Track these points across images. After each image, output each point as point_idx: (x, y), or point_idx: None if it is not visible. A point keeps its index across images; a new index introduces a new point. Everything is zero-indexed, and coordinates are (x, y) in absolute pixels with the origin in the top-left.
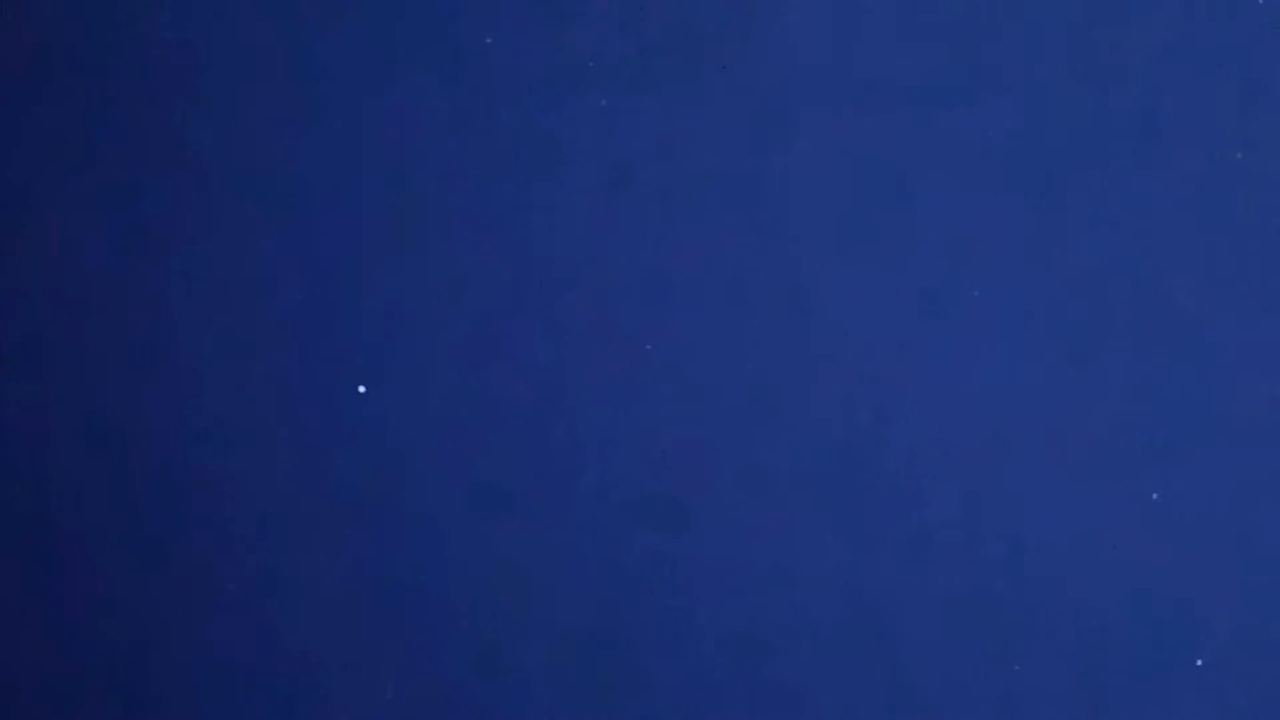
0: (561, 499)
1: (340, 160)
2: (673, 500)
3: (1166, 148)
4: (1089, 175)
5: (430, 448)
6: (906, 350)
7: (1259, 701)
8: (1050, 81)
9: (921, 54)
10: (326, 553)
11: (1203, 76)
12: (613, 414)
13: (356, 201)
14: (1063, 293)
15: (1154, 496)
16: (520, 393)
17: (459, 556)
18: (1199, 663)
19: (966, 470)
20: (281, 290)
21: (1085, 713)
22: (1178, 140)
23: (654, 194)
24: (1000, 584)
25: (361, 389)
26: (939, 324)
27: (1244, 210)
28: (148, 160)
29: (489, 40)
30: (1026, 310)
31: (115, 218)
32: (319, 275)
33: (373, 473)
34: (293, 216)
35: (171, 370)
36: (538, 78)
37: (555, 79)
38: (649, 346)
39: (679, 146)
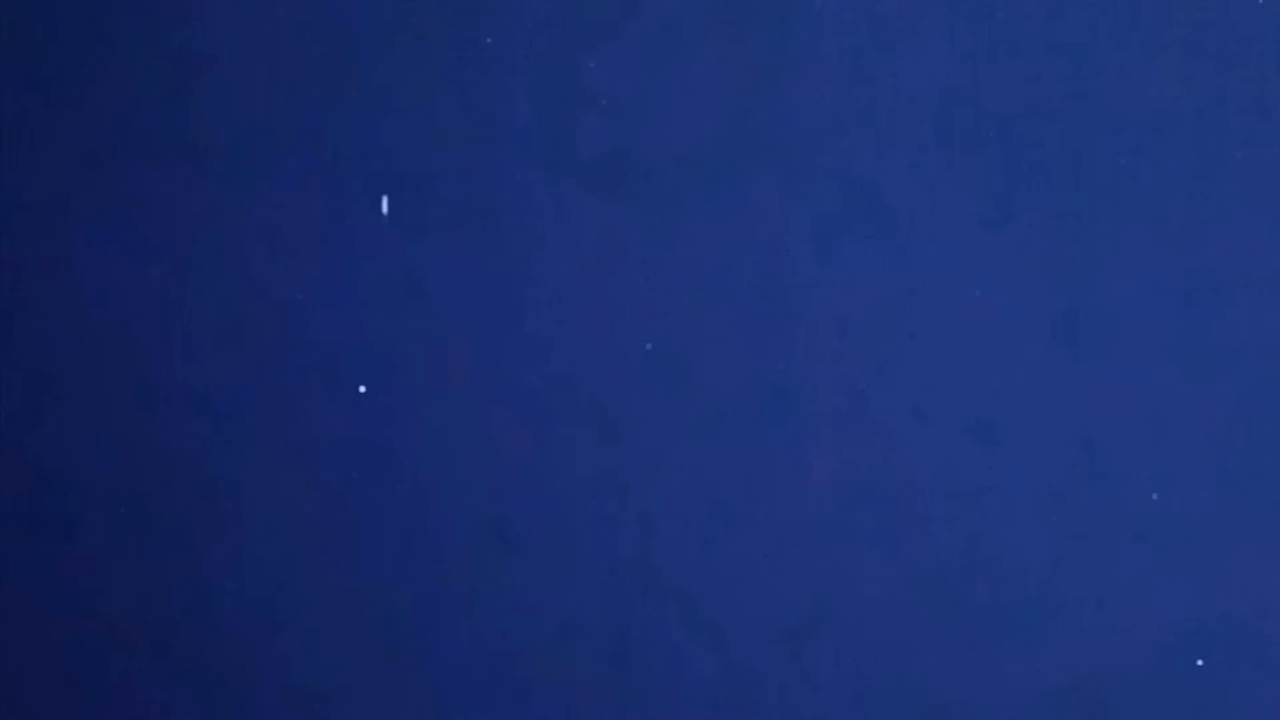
0: (563, 498)
1: (339, 160)
2: (673, 500)
3: (1165, 147)
4: (1091, 177)
5: (430, 447)
6: (908, 349)
7: (1259, 701)
8: (1049, 81)
9: (925, 54)
10: (327, 551)
11: (1203, 76)
12: (614, 413)
13: (355, 201)
14: (1063, 293)
15: (1154, 496)
16: (520, 391)
17: (459, 555)
18: (1199, 663)
19: (966, 470)
20: (284, 291)
21: (1086, 713)
22: (1177, 140)
23: (653, 195)
24: (1000, 584)
25: (362, 389)
26: (940, 324)
27: (1245, 211)
28: (149, 160)
29: (489, 40)
30: (1028, 311)
31: (117, 219)
32: (320, 276)
33: (372, 471)
34: (291, 217)
35: (172, 370)
36: (538, 78)
37: (555, 79)
38: (649, 346)
39: (679, 148)
